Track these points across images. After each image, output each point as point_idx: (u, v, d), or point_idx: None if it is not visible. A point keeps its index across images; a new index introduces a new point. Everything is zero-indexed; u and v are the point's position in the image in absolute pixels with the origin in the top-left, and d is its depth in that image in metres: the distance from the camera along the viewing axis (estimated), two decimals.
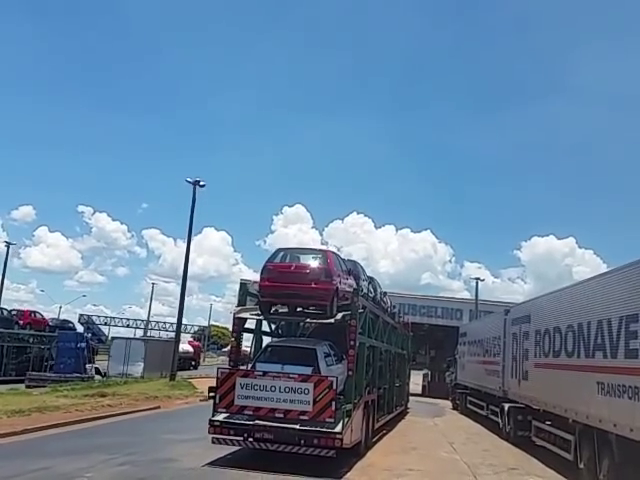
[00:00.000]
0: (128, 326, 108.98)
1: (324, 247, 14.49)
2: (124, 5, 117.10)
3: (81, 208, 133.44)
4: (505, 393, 18.07)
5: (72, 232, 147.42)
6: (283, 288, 11.87)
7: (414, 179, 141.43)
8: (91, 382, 25.96)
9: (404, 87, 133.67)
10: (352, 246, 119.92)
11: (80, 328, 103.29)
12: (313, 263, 12.32)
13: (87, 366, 29.05)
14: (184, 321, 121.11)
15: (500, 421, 18.37)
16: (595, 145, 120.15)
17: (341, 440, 10.38)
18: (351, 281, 13.30)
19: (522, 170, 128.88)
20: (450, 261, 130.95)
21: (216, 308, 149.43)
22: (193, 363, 56.90)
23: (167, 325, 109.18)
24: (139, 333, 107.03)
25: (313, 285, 11.77)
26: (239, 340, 12.79)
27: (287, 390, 10.47)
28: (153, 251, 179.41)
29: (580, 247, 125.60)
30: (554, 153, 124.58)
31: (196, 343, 63.54)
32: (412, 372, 28.85)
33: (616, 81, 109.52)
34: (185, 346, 56.76)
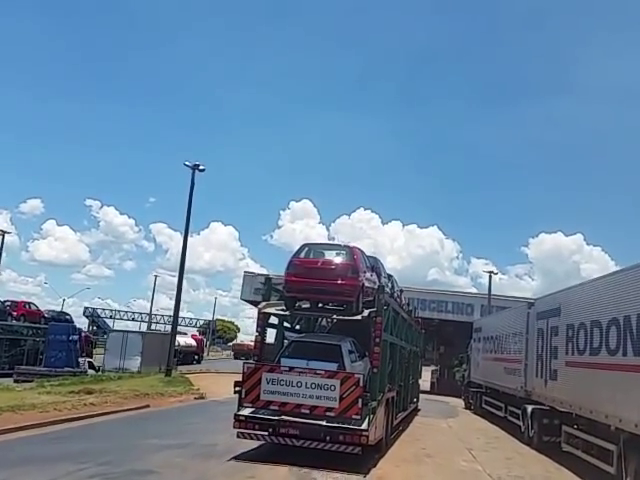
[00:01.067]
0: (133, 319, 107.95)
1: (349, 243, 13.86)
2: (135, 2, 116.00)
3: (89, 202, 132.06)
4: (528, 394, 16.35)
5: (80, 226, 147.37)
6: (309, 284, 11.72)
7: (421, 175, 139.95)
8: (82, 377, 24.38)
9: (411, 83, 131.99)
10: (359, 242, 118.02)
11: (85, 321, 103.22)
12: (339, 259, 12.11)
13: (80, 360, 27.47)
14: (191, 315, 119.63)
15: (522, 424, 16.66)
16: (603, 141, 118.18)
17: (367, 437, 10.20)
18: (374, 277, 13.08)
19: (530, 166, 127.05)
20: (457, 257, 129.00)
21: (223, 303, 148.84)
22: (196, 357, 55.42)
23: (180, 319, 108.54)
24: (144, 326, 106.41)
25: (340, 281, 11.60)
26: (263, 335, 12.46)
27: (313, 386, 10.34)
28: (161, 245, 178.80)
29: (588, 244, 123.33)
30: (562, 149, 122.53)
31: (199, 337, 61.98)
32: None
33: (624, 78, 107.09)
34: (188, 340, 55.38)
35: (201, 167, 25.03)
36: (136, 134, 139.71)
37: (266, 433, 10.65)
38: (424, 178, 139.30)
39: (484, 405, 22.48)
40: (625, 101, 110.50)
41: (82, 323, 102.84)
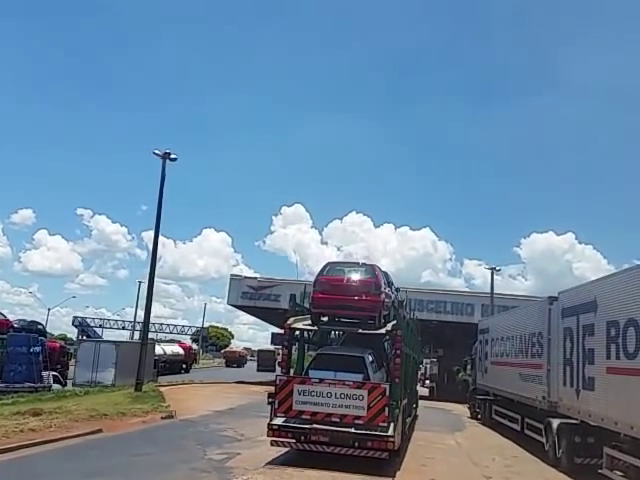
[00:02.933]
0: (124, 328, 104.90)
1: (369, 262, 14.85)
2: (123, 3, 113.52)
3: (80, 211, 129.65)
4: (553, 405, 13.63)
5: (72, 235, 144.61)
6: (335, 300, 12.35)
7: (413, 177, 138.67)
8: (43, 394, 21.49)
9: (401, 85, 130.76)
10: (352, 245, 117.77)
11: (74, 331, 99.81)
12: (363, 276, 12.77)
13: (43, 374, 24.53)
14: (185, 322, 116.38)
15: (545, 441, 13.91)
16: (592, 139, 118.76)
17: (393, 443, 10.73)
18: (390, 292, 13.75)
19: (520, 166, 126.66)
20: (450, 259, 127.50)
21: (217, 309, 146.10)
22: (184, 366, 52.42)
23: (165, 327, 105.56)
24: (136, 335, 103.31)
25: (364, 297, 12.32)
26: (290, 349, 12.89)
27: (342, 396, 10.87)
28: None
29: (580, 243, 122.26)
30: (551, 148, 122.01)
31: (187, 345, 58.85)
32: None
33: (613, 75, 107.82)
34: (175, 348, 52.49)
35: (172, 156, 22.23)
36: (126, 141, 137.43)
37: (297, 441, 11.04)
38: (416, 180, 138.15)
39: (494, 416, 19.73)
40: (615, 100, 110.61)
41: (72, 332, 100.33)
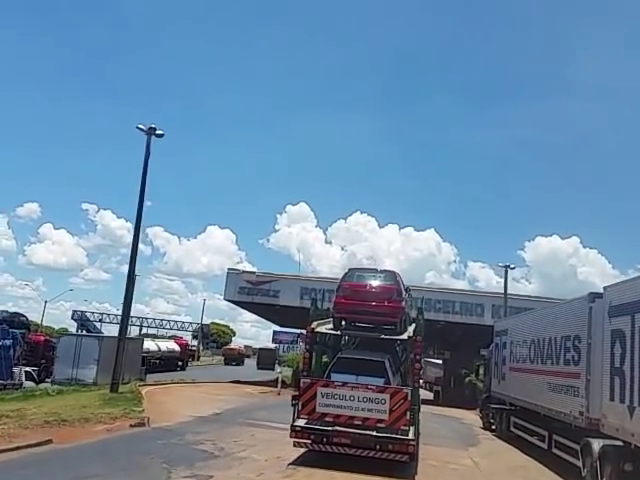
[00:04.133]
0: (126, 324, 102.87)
1: (390, 268, 15.13)
2: (124, 1, 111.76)
3: (85, 206, 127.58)
4: (593, 423, 11.22)
5: (77, 229, 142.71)
6: (358, 305, 12.50)
7: (418, 178, 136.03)
8: (9, 392, 19.24)
9: (408, 85, 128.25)
10: (356, 245, 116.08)
11: (74, 325, 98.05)
12: (385, 283, 12.98)
13: (14, 370, 22.25)
14: (189, 319, 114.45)
15: (582, 466, 11.45)
16: (598, 143, 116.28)
17: (414, 446, 10.86)
18: (408, 298, 14.09)
19: (525, 168, 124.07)
20: (454, 261, 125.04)
21: (221, 306, 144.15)
22: (180, 363, 50.10)
23: (166, 323, 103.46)
24: (134, 330, 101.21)
25: (387, 303, 12.50)
26: (311, 352, 12.82)
27: (365, 400, 10.92)
28: (158, 249, 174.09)
29: (584, 247, 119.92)
30: (557, 151, 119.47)
31: (183, 341, 56.46)
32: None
33: (620, 78, 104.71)
34: (170, 345, 50.16)
35: (159, 132, 19.86)
36: (130, 137, 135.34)
37: (317, 442, 11.10)
38: (420, 181, 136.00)
39: (513, 428, 17.29)
40: (621, 101, 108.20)
41: (72, 326, 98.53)
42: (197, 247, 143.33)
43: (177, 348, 49.67)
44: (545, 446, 14.11)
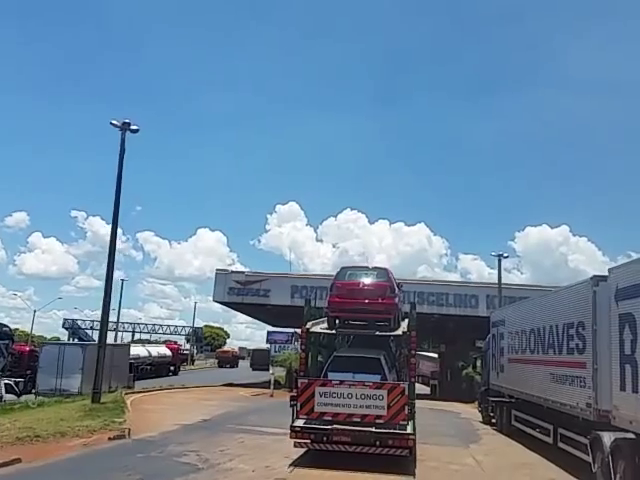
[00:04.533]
0: (115, 330, 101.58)
1: (383, 265, 15.06)
2: (112, 3, 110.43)
3: (74, 213, 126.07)
4: (603, 415, 10.42)
5: (67, 237, 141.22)
6: (352, 304, 12.55)
7: (406, 172, 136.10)
8: None
9: (394, 80, 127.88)
10: (347, 242, 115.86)
11: (66, 333, 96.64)
12: (378, 280, 12.99)
13: None
14: (183, 323, 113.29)
15: (592, 461, 10.65)
16: (585, 133, 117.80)
17: (413, 440, 10.89)
18: (400, 294, 14.00)
19: (513, 160, 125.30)
20: (446, 254, 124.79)
21: (214, 309, 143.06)
22: (172, 368, 49.10)
23: (158, 327, 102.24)
24: (127, 336, 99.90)
25: (380, 300, 12.59)
26: (307, 352, 12.85)
27: (363, 397, 10.98)
28: (149, 254, 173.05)
29: (574, 235, 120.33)
30: (544, 142, 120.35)
31: (175, 345, 55.42)
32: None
33: (607, 69, 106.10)
34: (162, 349, 49.19)
35: (133, 127, 18.88)
36: (117, 142, 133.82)
37: (317, 441, 11.05)
38: (409, 175, 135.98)
39: (515, 422, 16.50)
40: (610, 94, 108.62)
41: (64, 335, 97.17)
42: (188, 250, 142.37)
43: (168, 353, 48.66)
44: (550, 440, 13.30)
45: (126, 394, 23.58)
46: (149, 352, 44.63)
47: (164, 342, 68.33)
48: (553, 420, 13.26)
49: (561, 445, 12.73)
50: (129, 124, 18.79)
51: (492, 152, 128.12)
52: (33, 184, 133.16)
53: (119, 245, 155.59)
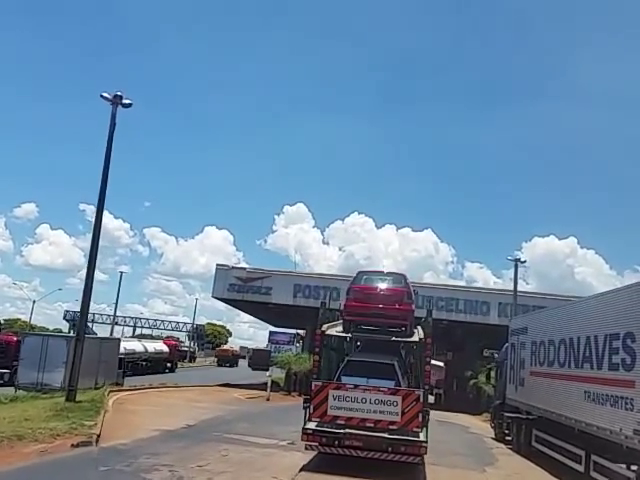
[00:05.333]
0: (117, 323, 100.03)
1: (400, 271, 14.73)
2: (123, 3, 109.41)
3: (83, 206, 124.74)
4: None
5: (74, 230, 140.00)
6: (369, 309, 12.47)
7: (415, 178, 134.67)
8: None
9: (404, 86, 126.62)
10: (353, 245, 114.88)
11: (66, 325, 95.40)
12: (395, 286, 12.95)
13: None
14: (186, 320, 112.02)
15: None
16: (595, 144, 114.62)
17: (426, 448, 10.55)
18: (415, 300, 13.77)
19: (522, 169, 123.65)
20: (452, 261, 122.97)
21: (218, 307, 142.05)
22: (169, 365, 47.35)
23: (160, 323, 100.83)
24: (128, 331, 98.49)
25: (397, 306, 12.51)
26: (321, 354, 12.54)
27: (377, 402, 10.76)
28: (155, 249, 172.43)
29: (582, 247, 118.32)
30: (554, 152, 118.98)
31: (173, 342, 53.65)
32: None
33: (616, 80, 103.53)
34: (158, 345, 47.41)
35: (126, 101, 17.14)
36: (129, 138, 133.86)
37: (329, 445, 10.85)
38: (418, 181, 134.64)
39: (535, 443, 14.63)
40: (619, 105, 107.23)
41: (64, 326, 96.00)
42: (195, 248, 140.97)
43: (165, 349, 46.88)
44: (581, 468, 11.43)
45: (112, 392, 21.86)
46: (145, 348, 42.88)
47: (166, 338, 66.51)
48: (585, 445, 11.40)
49: (594, 475, 10.89)
50: (121, 97, 17.03)
51: (501, 161, 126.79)
52: (43, 176, 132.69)
53: (126, 240, 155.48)
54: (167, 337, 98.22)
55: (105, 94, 16.95)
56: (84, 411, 14.88)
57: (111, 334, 60.28)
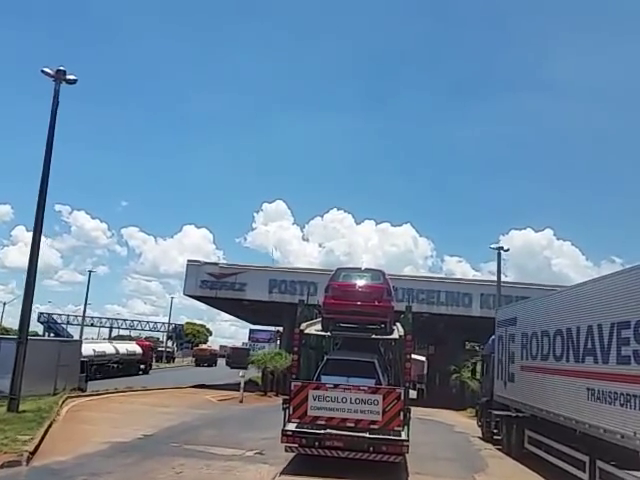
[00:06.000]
0: (92, 325, 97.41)
1: (379, 268, 14.30)
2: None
3: (58, 207, 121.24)
4: None
5: (51, 231, 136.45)
6: (348, 306, 12.18)
7: (393, 174, 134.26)
8: None
9: (381, 82, 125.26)
10: (333, 242, 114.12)
11: (40, 327, 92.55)
12: (375, 282, 12.71)
13: None
14: (165, 320, 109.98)
15: None
16: (569, 137, 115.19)
17: (407, 447, 10.34)
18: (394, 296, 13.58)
19: (499, 163, 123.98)
20: (431, 255, 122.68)
21: (199, 306, 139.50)
22: (142, 367, 45.34)
23: (137, 323, 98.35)
24: (105, 332, 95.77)
25: (376, 303, 12.28)
26: (300, 354, 12.26)
27: (357, 401, 10.54)
28: (134, 249, 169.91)
29: (558, 239, 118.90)
30: (529, 145, 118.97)
31: (147, 342, 51.58)
32: None
33: (593, 75, 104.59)
34: (131, 346, 45.35)
35: (70, 77, 15.33)
36: (104, 136, 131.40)
37: (309, 446, 10.52)
38: (396, 177, 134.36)
39: (528, 444, 13.23)
40: (594, 98, 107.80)
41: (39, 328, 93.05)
42: (174, 247, 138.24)
43: (138, 350, 44.78)
44: (585, 476, 10.00)
45: (70, 398, 20.05)
46: (116, 349, 40.81)
47: (139, 338, 64.33)
48: (589, 449, 9.99)
49: None
50: (64, 72, 15.18)
51: (478, 155, 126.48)
52: (17, 177, 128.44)
53: (103, 240, 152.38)
54: (142, 338, 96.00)
55: (46, 69, 15.11)
56: (25, 422, 13.10)
57: (81, 336, 57.80)
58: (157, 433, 14.19)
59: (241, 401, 24.30)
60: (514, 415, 14.48)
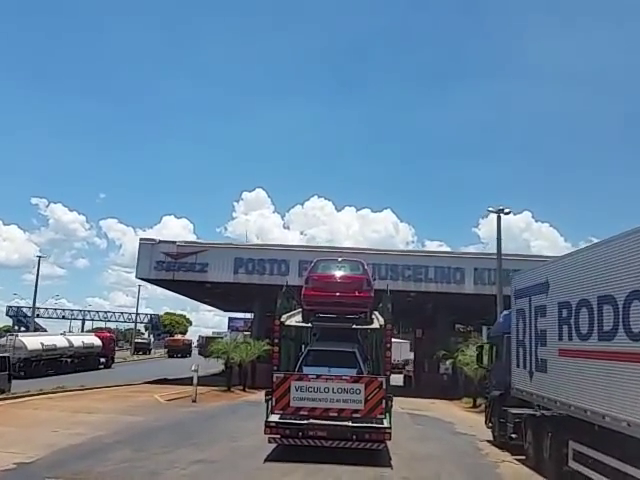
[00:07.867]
0: (64, 317, 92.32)
1: (358, 259, 13.91)
2: None
3: (35, 200, 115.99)
4: None
5: (28, 225, 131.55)
6: (328, 297, 12.12)
7: (372, 160, 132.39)
8: None
9: (357, 68, 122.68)
10: (314, 229, 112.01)
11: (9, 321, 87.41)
12: (354, 273, 12.73)
13: None
14: (150, 311, 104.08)
15: None
16: (545, 120, 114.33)
17: (390, 434, 10.39)
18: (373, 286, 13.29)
19: (476, 147, 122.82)
20: (412, 241, 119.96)
21: (177, 295, 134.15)
22: (103, 360, 40.68)
23: (111, 315, 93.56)
24: (77, 324, 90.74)
25: (357, 293, 12.25)
26: (280, 345, 12.08)
27: (340, 391, 10.58)
28: (114, 241, 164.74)
29: (537, 221, 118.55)
30: (505, 129, 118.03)
31: (107, 334, 46.76)
32: None
33: (564, 58, 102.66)
34: (88, 339, 40.66)
35: None
36: (81, 128, 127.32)
37: (293, 436, 10.47)
38: (375, 163, 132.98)
39: (574, 461, 8.98)
40: (568, 81, 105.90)
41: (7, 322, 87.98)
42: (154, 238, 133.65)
43: (97, 342, 40.02)
44: None
45: None
46: (70, 342, 36.04)
47: (106, 329, 59.69)
48: None
49: None
50: None
51: (456, 139, 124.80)
52: None
53: (82, 233, 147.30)
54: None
55: None
56: None
57: (33, 329, 53.01)
58: (42, 459, 9.73)
59: (194, 400, 19.88)
60: (548, 415, 10.32)
